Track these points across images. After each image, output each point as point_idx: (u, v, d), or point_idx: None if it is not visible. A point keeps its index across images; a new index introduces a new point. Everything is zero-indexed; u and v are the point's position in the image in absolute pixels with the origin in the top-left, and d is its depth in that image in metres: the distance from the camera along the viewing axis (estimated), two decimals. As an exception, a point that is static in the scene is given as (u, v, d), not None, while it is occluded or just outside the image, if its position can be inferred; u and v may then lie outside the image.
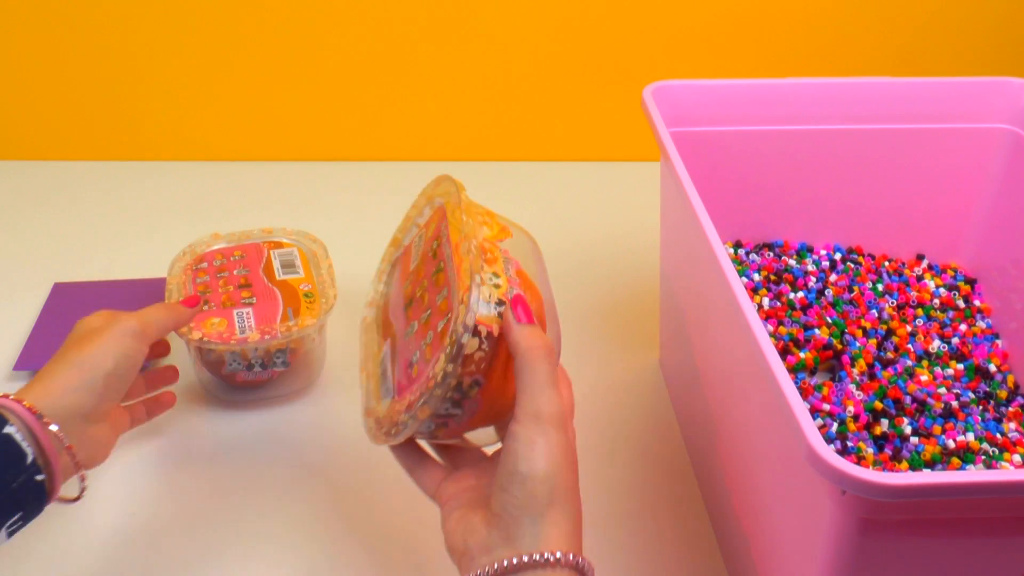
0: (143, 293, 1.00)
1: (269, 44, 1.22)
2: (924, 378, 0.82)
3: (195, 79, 1.24)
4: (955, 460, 0.73)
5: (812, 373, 0.85)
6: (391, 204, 1.20)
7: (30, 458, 0.61)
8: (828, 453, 0.45)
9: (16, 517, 0.61)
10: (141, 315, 0.72)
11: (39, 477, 0.61)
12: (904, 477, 0.43)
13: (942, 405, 0.79)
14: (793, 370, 0.84)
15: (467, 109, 1.27)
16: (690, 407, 0.81)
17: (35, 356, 0.91)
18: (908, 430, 0.76)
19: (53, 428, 0.63)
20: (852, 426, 0.77)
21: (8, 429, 0.61)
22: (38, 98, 1.25)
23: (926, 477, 0.44)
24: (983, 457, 0.73)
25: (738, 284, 0.57)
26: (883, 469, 0.72)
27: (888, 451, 0.74)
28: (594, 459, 0.82)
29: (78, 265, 1.07)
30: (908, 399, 0.80)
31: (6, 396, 0.63)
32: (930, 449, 0.74)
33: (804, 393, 0.81)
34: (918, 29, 1.24)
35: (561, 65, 1.24)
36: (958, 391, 0.81)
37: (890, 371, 0.83)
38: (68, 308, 0.98)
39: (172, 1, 1.18)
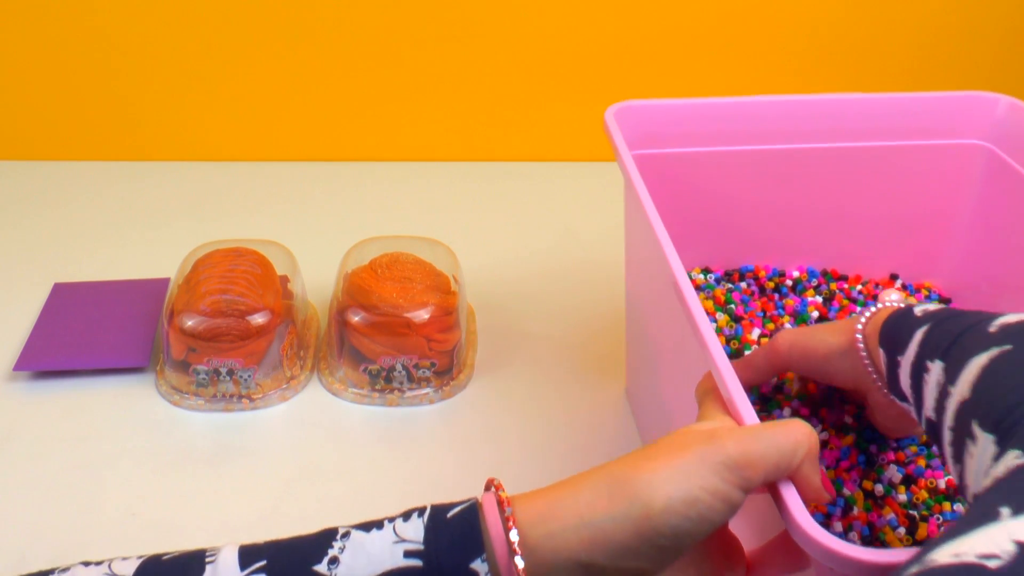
0: (143, 293, 1.00)
1: (269, 44, 1.22)
2: None
3: (195, 79, 1.24)
4: (946, 504, 0.71)
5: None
6: (391, 204, 1.21)
7: None
8: (809, 524, 0.43)
9: None
10: (742, 438, 0.46)
11: None
12: (885, 554, 0.41)
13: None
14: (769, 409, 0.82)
15: (467, 109, 1.27)
16: (659, 437, 0.79)
17: (35, 356, 0.92)
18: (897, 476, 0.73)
19: None
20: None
21: (477, 566, 0.43)
22: (38, 98, 1.25)
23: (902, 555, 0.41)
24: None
25: (704, 320, 0.55)
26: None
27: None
28: None
29: (78, 265, 1.07)
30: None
31: (500, 496, 0.45)
32: (922, 495, 0.72)
33: None
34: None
35: (557, 65, 1.24)
36: None
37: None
38: (68, 308, 0.98)
39: (172, 1, 1.18)
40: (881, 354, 0.58)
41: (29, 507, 0.77)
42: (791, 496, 0.45)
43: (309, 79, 1.24)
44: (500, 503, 0.45)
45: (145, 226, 1.15)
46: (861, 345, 0.61)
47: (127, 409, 0.88)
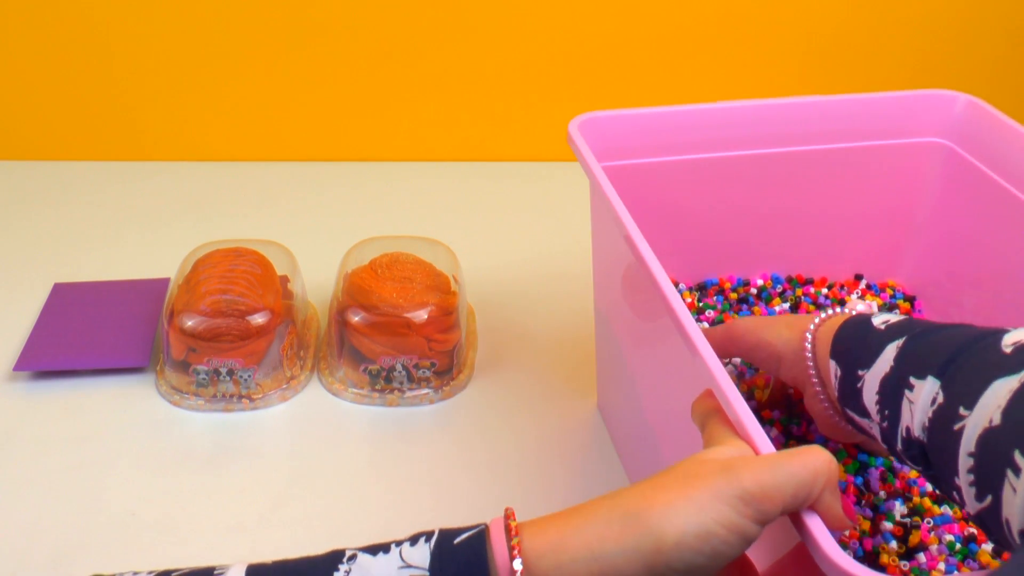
0: (143, 293, 1.00)
1: (269, 44, 1.22)
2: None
3: (195, 79, 1.24)
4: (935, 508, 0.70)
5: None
6: (391, 204, 1.21)
7: None
8: (837, 553, 0.41)
9: None
10: (758, 469, 0.44)
11: None
12: None
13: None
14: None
15: (467, 109, 1.27)
16: (635, 450, 0.78)
17: (35, 356, 0.92)
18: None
19: None
20: None
21: None
22: (38, 98, 1.25)
23: None
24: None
25: (691, 322, 0.54)
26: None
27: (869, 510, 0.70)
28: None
29: (78, 265, 1.07)
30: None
31: (508, 524, 0.45)
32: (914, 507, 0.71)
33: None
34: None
35: (558, 66, 1.25)
36: None
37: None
38: (68, 308, 0.98)
39: (172, 1, 1.18)
40: (832, 366, 0.57)
41: (29, 507, 0.77)
42: (816, 525, 0.43)
43: (309, 79, 1.24)
44: (508, 531, 0.44)
45: (145, 226, 1.15)
46: (808, 347, 0.60)
47: (127, 409, 0.88)
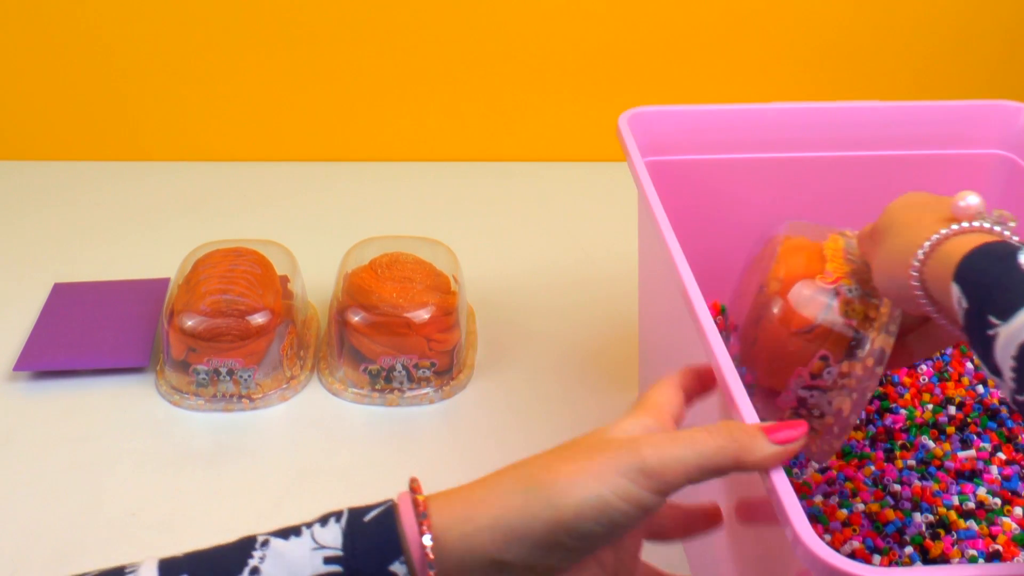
0: (143, 293, 1.00)
1: (269, 44, 1.22)
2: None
3: (195, 79, 1.24)
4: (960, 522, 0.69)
5: None
6: (391, 204, 1.21)
7: None
8: (816, 545, 0.42)
9: None
10: (660, 444, 0.46)
11: None
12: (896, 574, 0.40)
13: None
14: None
15: (467, 109, 1.27)
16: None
17: (35, 356, 0.91)
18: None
19: None
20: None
21: (396, 568, 0.44)
22: (38, 98, 1.25)
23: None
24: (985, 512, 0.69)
25: (720, 347, 0.53)
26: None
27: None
28: None
29: (78, 265, 1.06)
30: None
31: (416, 499, 0.46)
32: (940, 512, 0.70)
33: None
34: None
35: (558, 66, 1.24)
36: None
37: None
38: (68, 308, 0.98)
39: (172, 1, 1.18)
40: (955, 291, 0.47)
41: (29, 507, 0.77)
42: (799, 519, 0.43)
43: (309, 79, 1.24)
44: (416, 505, 0.45)
45: (145, 226, 1.15)
46: (915, 274, 0.51)
47: (127, 409, 0.88)
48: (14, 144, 1.28)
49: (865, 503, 0.69)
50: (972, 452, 0.74)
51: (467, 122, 1.29)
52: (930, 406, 0.78)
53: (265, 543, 0.45)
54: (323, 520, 0.46)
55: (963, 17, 1.21)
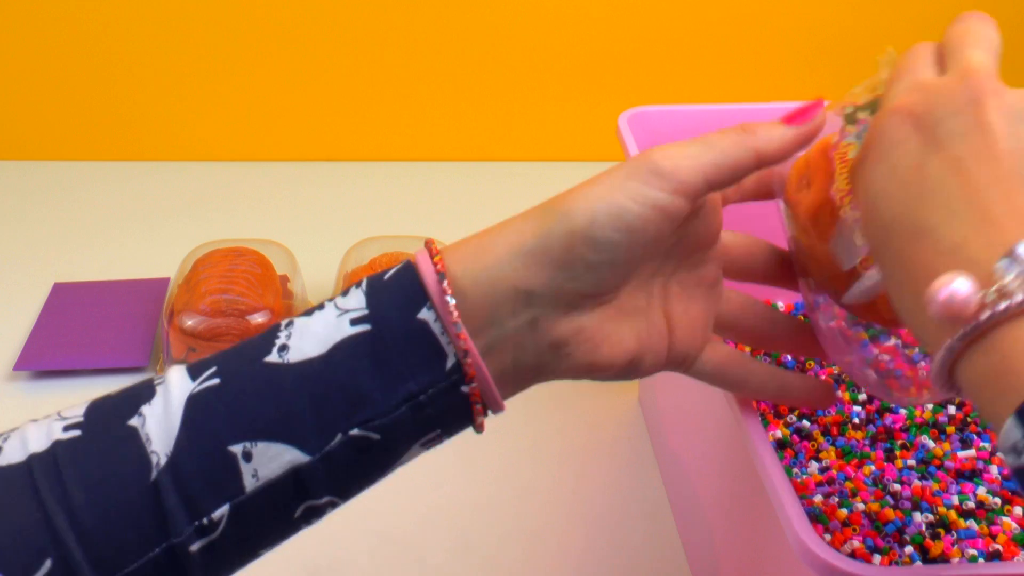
0: (143, 293, 1.00)
1: (268, 44, 1.22)
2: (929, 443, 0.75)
3: (194, 79, 1.24)
4: (960, 521, 0.69)
5: None
6: (391, 204, 1.21)
7: (450, 362, 0.43)
8: (818, 546, 0.42)
9: (433, 434, 0.48)
10: (672, 146, 0.45)
11: (464, 389, 0.44)
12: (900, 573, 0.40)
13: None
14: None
15: (467, 109, 1.27)
16: (671, 449, 0.78)
17: (35, 356, 0.92)
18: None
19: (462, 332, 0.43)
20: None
21: (424, 315, 0.43)
22: (38, 98, 1.25)
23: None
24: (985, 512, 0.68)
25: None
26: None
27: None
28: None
29: (78, 265, 1.07)
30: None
31: (431, 248, 0.45)
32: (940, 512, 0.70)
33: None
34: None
35: (558, 65, 1.25)
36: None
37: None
38: (68, 308, 0.98)
39: (172, 1, 1.18)
40: (1015, 433, 0.33)
41: (29, 507, 0.77)
42: (799, 519, 0.44)
43: (309, 79, 1.24)
44: (431, 252, 0.45)
45: (145, 226, 1.15)
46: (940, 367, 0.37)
47: (127, 409, 0.88)
48: (14, 144, 1.28)
49: (865, 503, 0.69)
50: (972, 452, 0.74)
51: (467, 122, 1.29)
52: (930, 406, 0.78)
53: (290, 323, 0.45)
54: (344, 292, 0.46)
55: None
